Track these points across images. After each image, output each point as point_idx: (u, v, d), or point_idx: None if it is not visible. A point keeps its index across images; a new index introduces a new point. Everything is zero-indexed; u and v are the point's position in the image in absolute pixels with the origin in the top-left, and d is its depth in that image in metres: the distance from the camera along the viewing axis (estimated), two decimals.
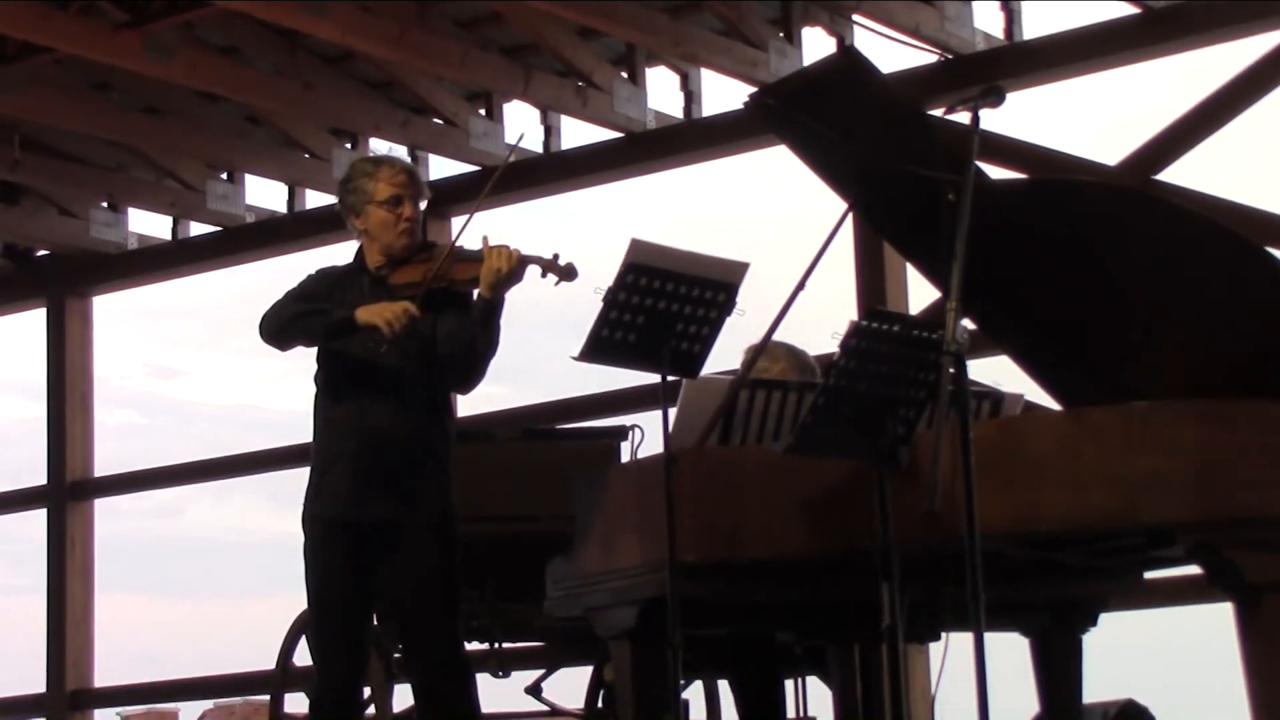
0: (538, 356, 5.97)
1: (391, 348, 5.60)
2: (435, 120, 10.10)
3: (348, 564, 5.77)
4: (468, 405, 8.24)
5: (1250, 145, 9.68)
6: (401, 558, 5.72)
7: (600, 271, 5.34)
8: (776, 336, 5.67)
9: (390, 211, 5.81)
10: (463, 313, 5.74)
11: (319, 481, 5.84)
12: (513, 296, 5.68)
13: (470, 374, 5.78)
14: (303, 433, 6.00)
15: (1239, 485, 4.98)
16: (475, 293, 5.66)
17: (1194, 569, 5.38)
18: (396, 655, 6.95)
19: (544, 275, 5.66)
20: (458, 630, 5.89)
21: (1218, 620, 5.32)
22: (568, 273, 5.62)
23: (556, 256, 5.64)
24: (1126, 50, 9.00)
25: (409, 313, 5.57)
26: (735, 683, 6.64)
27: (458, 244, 5.78)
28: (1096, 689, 5.99)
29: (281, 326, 5.84)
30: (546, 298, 5.78)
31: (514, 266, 5.59)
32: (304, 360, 5.94)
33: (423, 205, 5.93)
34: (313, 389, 5.92)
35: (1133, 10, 8.79)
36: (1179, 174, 8.66)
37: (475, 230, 5.76)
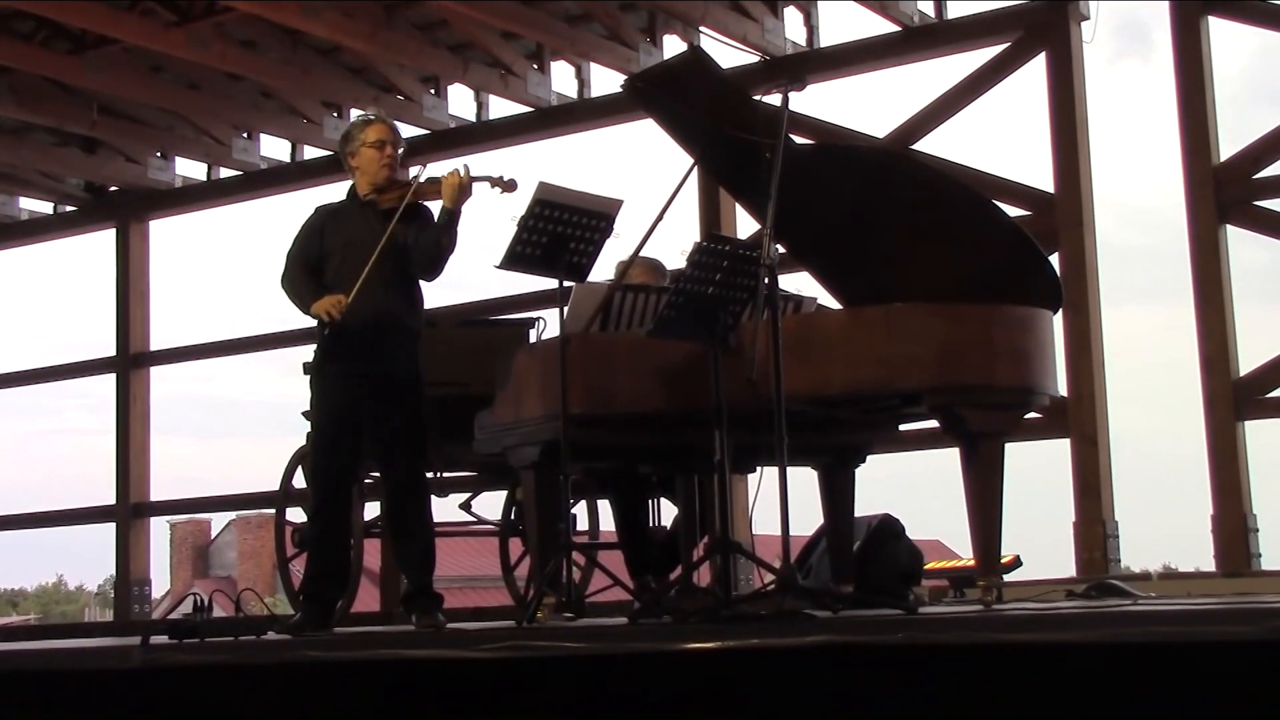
0: (471, 268, 5.93)
1: (335, 324, 5.56)
2: (398, 96, 9.95)
3: (342, 407, 5.71)
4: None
5: (976, 126, 9.71)
6: (380, 404, 5.66)
7: (517, 204, 5.29)
8: (642, 253, 5.61)
9: (377, 151, 5.77)
10: (428, 224, 5.69)
11: (325, 347, 5.78)
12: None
13: (435, 267, 5.72)
14: (302, 320, 5.93)
15: (965, 363, 4.98)
16: (440, 206, 5.60)
17: (933, 423, 5.38)
18: (368, 481, 6.88)
19: (493, 187, 5.60)
20: (421, 460, 5.84)
21: (948, 459, 5.33)
22: (510, 185, 5.57)
23: (501, 175, 5.58)
24: (892, 56, 9.04)
25: (340, 303, 5.55)
26: (611, 501, 6.62)
27: (423, 176, 5.71)
28: (864, 507, 6.01)
29: (289, 297, 5.81)
30: (476, 226, 5.70)
31: (465, 183, 5.55)
32: None
33: (400, 151, 5.88)
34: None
35: (896, 28, 8.82)
36: (928, 144, 8.67)
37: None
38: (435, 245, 5.64)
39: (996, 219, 5.35)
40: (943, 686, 3.93)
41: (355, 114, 10.14)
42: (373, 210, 5.75)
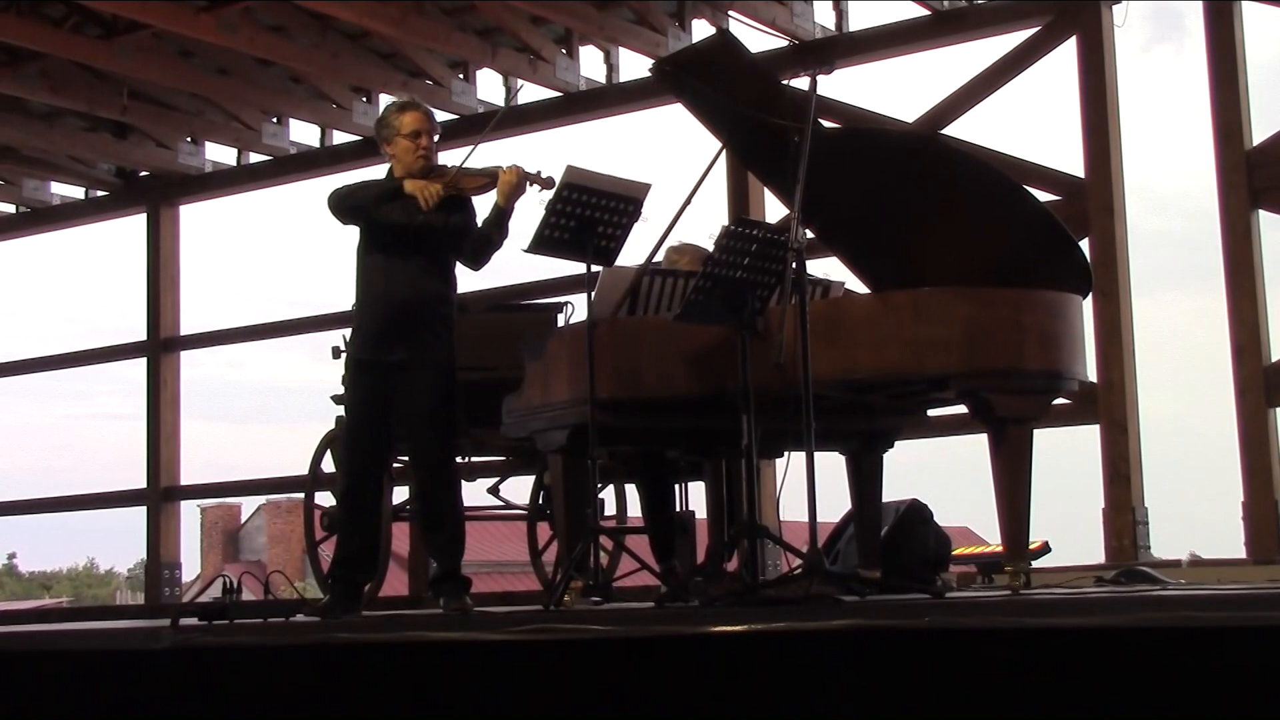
0: (499, 252, 5.96)
1: (428, 215, 5.57)
2: (427, 81, 9.95)
3: (374, 392, 5.73)
4: None
5: (1006, 111, 9.67)
6: (412, 389, 5.68)
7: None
8: (669, 236, 5.62)
9: (412, 141, 5.78)
10: (465, 213, 5.72)
11: (358, 332, 5.81)
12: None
13: (482, 258, 5.78)
14: (332, 305, 5.96)
15: (993, 347, 4.98)
16: (494, 203, 5.64)
17: (961, 408, 5.36)
18: (397, 465, 6.89)
19: (531, 185, 5.62)
20: (452, 446, 5.85)
21: (976, 444, 5.33)
22: (548, 182, 5.58)
23: (539, 172, 5.60)
24: (921, 41, 8.97)
25: (440, 192, 5.58)
26: (638, 485, 6.62)
27: (463, 165, 5.72)
28: (892, 492, 6.01)
29: (346, 194, 5.82)
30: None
31: (520, 181, 5.57)
32: (338, 255, 5.93)
33: (435, 139, 5.88)
34: (348, 276, 5.90)
35: (925, 12, 8.78)
36: (957, 129, 8.63)
37: (478, 160, 5.79)
38: (486, 239, 5.70)
39: (1026, 204, 5.33)
40: (970, 672, 3.92)
41: (385, 99, 10.21)
42: (411, 199, 5.75)
